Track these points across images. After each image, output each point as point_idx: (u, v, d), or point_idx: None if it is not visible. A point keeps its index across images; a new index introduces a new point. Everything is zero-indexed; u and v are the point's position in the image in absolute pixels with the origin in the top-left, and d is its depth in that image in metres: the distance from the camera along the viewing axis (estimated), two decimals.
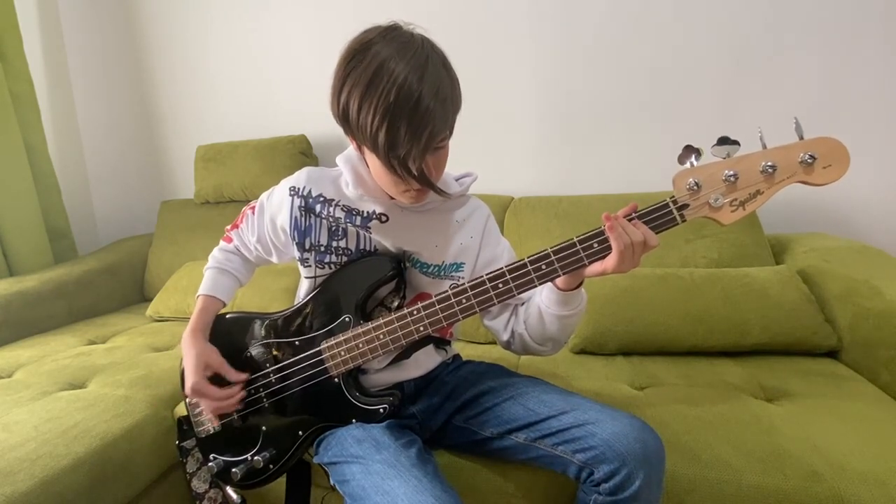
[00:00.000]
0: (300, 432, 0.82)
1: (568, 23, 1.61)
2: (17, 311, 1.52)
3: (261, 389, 0.84)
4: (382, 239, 0.81)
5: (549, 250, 0.70)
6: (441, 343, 0.91)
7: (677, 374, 1.09)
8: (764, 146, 0.65)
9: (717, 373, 1.09)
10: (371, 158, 0.70)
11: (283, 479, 0.88)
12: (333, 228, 0.82)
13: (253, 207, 0.92)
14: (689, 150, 0.67)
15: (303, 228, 0.83)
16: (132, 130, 2.18)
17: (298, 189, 0.83)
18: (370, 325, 0.77)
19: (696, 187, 0.66)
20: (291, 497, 0.90)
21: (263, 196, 0.91)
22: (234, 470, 0.82)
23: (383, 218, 0.80)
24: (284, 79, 1.94)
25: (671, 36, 1.54)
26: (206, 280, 0.91)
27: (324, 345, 0.80)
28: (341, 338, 0.79)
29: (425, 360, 0.88)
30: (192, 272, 1.66)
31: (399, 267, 0.81)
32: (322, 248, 0.82)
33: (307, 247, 0.83)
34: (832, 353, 1.17)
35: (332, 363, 0.79)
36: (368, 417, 0.78)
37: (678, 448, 0.82)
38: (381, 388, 0.85)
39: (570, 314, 0.78)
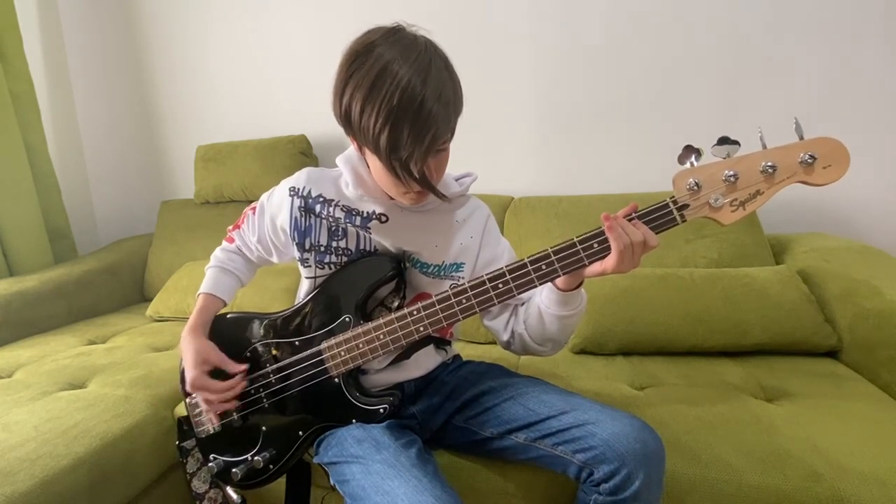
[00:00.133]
0: (300, 432, 0.82)
1: (568, 23, 1.61)
2: (17, 311, 1.52)
3: (261, 389, 0.84)
4: (382, 239, 0.81)
5: (550, 250, 0.70)
6: (441, 343, 0.91)
7: (677, 374, 1.09)
8: (764, 146, 0.65)
9: (717, 373, 1.09)
10: (372, 160, 0.70)
11: (282, 480, 0.88)
12: (333, 229, 0.82)
13: (254, 208, 0.92)
14: (690, 151, 0.67)
15: (303, 229, 0.83)
16: (132, 130, 2.18)
17: (298, 189, 0.83)
18: (370, 326, 0.77)
19: (696, 187, 0.66)
20: (291, 497, 0.90)
21: (264, 197, 0.91)
22: (234, 470, 0.82)
23: (383, 218, 0.80)
24: (284, 79, 1.94)
25: (671, 36, 1.54)
26: (207, 279, 0.91)
27: (324, 345, 0.80)
28: (341, 338, 0.79)
29: (425, 361, 0.88)
30: (192, 272, 1.66)
31: (399, 267, 0.81)
32: (322, 249, 0.82)
33: (307, 247, 0.83)
34: (832, 353, 1.17)
35: (332, 363, 0.79)
36: (368, 417, 0.78)
37: (678, 448, 0.82)
38: (381, 388, 0.85)
39: (570, 314, 0.77)
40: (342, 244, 0.82)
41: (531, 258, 0.71)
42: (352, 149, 0.79)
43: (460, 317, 0.74)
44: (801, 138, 0.63)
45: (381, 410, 0.78)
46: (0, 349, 1.42)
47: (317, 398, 0.81)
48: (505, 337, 0.87)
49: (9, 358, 1.33)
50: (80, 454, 0.91)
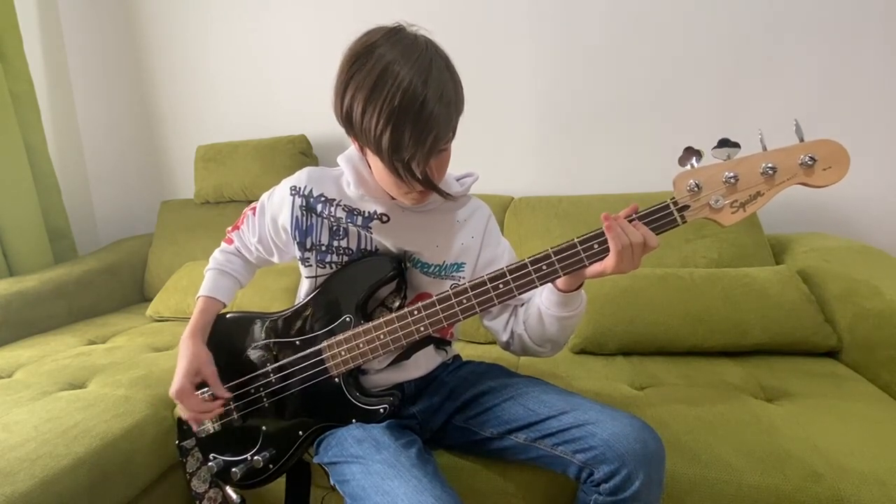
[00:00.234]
0: (300, 432, 0.82)
1: (568, 23, 1.61)
2: (17, 311, 1.51)
3: (261, 389, 0.84)
4: (383, 239, 0.81)
5: (550, 251, 0.70)
6: (441, 343, 0.91)
7: (677, 374, 1.09)
8: (764, 148, 0.65)
9: (717, 373, 1.09)
10: (374, 160, 0.70)
11: (282, 479, 0.88)
12: (334, 228, 0.82)
13: (254, 209, 0.92)
14: (690, 152, 0.67)
15: (304, 228, 0.83)
16: (132, 130, 2.18)
17: (299, 188, 0.83)
18: (371, 325, 0.77)
19: (696, 189, 0.66)
20: (291, 497, 0.90)
21: (264, 196, 0.91)
22: (233, 470, 0.82)
23: (384, 218, 0.80)
24: (284, 79, 1.94)
25: (671, 36, 1.54)
26: (206, 281, 0.91)
27: (324, 344, 0.80)
28: (342, 337, 0.79)
29: (426, 361, 0.88)
30: (192, 272, 1.66)
31: (400, 267, 0.81)
32: (323, 248, 0.82)
33: (308, 246, 0.83)
34: (832, 353, 1.17)
35: (332, 363, 0.79)
36: (368, 417, 0.78)
37: (678, 448, 0.82)
38: (381, 388, 0.85)
39: (570, 315, 0.78)
40: (343, 244, 0.82)
41: (532, 258, 0.71)
42: (353, 148, 0.79)
43: (461, 317, 0.74)
44: (802, 140, 0.64)
45: (382, 410, 0.78)
46: (0, 349, 1.42)
47: (317, 398, 0.81)
48: (504, 337, 0.87)
49: (9, 358, 1.33)
50: (80, 454, 0.91)
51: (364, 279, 0.80)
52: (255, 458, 0.82)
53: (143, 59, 2.10)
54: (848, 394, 0.98)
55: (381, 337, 0.77)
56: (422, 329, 0.76)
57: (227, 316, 0.90)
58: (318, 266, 0.83)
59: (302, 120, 1.91)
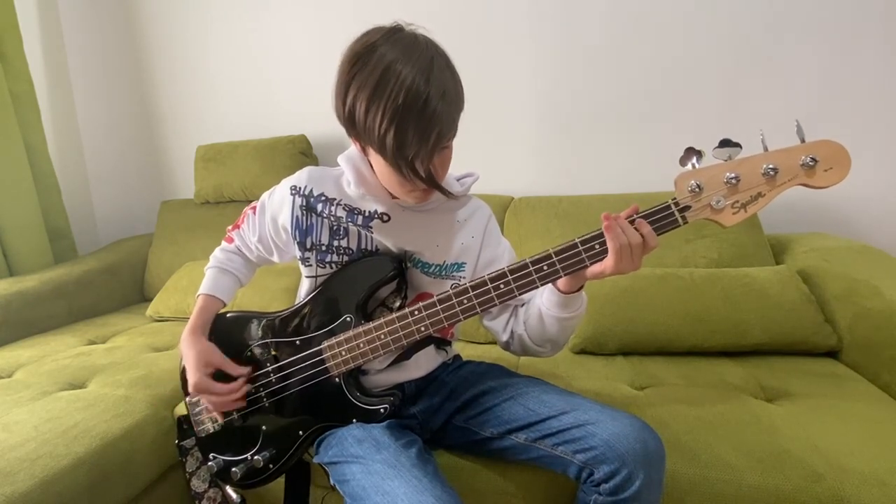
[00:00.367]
0: (300, 432, 0.82)
1: (568, 23, 1.61)
2: (17, 311, 1.51)
3: (261, 389, 0.84)
4: (384, 238, 0.81)
5: (551, 251, 0.70)
6: (442, 343, 0.91)
7: (677, 375, 1.09)
8: (765, 148, 0.65)
9: (718, 373, 1.09)
10: (377, 160, 0.70)
11: (282, 479, 0.88)
12: (335, 228, 0.82)
13: (254, 208, 0.92)
14: (691, 152, 0.67)
15: (304, 228, 0.83)
16: (132, 130, 2.17)
17: (300, 188, 0.83)
18: (371, 325, 0.77)
19: (697, 189, 0.66)
20: (291, 497, 0.90)
21: (264, 196, 0.91)
22: (233, 469, 0.82)
23: (385, 217, 0.80)
24: (284, 79, 1.94)
25: (671, 36, 1.54)
26: (206, 279, 0.91)
27: (324, 344, 0.80)
28: (342, 337, 0.79)
29: (426, 362, 0.88)
30: (192, 272, 1.66)
31: (400, 267, 0.81)
32: (323, 248, 0.82)
33: (308, 246, 0.83)
34: (832, 353, 1.17)
35: (332, 363, 0.79)
36: (369, 417, 0.78)
37: (678, 448, 0.82)
38: (382, 388, 0.85)
39: (571, 316, 0.78)
40: (343, 244, 0.82)
41: (532, 259, 0.71)
42: (353, 148, 0.79)
43: (461, 317, 0.74)
44: (803, 141, 0.64)
45: (382, 410, 0.78)
46: (0, 349, 1.42)
47: (317, 398, 0.81)
48: (504, 337, 0.87)
49: (9, 358, 1.33)
50: (80, 454, 0.91)
51: (364, 279, 0.80)
52: (256, 457, 0.82)
53: (143, 59, 2.10)
54: (848, 394, 0.98)
55: (382, 337, 0.77)
56: (422, 329, 0.76)
57: (227, 315, 0.90)
58: (318, 266, 0.83)
59: (302, 120, 1.91)
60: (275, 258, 0.93)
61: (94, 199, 2.16)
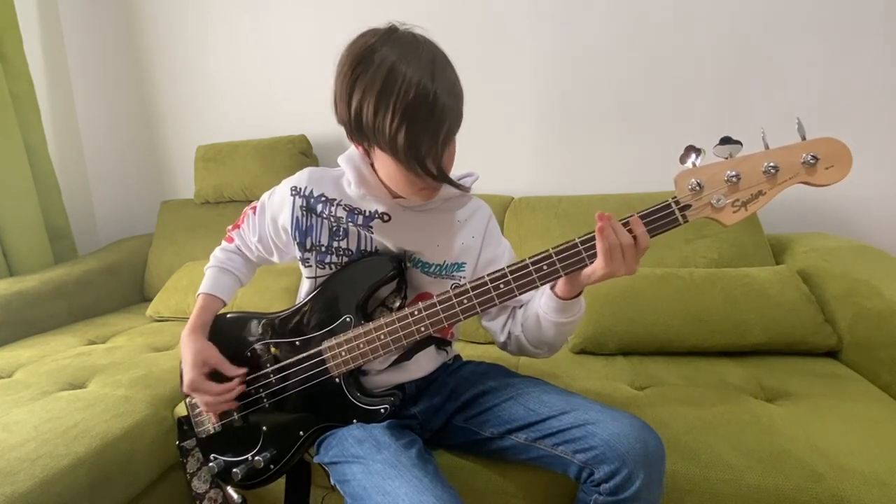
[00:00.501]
0: (301, 432, 0.82)
1: (568, 23, 1.61)
2: (17, 311, 1.51)
3: (261, 389, 0.84)
4: (384, 238, 0.81)
5: (551, 251, 0.70)
6: (442, 343, 0.91)
7: (677, 375, 1.09)
8: (766, 146, 0.65)
9: (718, 373, 1.09)
10: (384, 160, 0.70)
11: (283, 479, 0.88)
12: (334, 229, 0.82)
13: (254, 208, 0.92)
14: (691, 150, 0.67)
15: (304, 228, 0.83)
16: (132, 130, 2.17)
17: (300, 189, 0.83)
18: (371, 326, 0.77)
19: (698, 188, 0.66)
20: (291, 497, 0.90)
21: (265, 196, 0.91)
22: (234, 470, 0.82)
23: (385, 217, 0.80)
24: (284, 79, 1.94)
25: (671, 35, 1.54)
26: (206, 279, 0.91)
27: (324, 345, 0.80)
28: (342, 338, 0.79)
29: (427, 362, 0.88)
30: (192, 272, 1.65)
31: (400, 267, 0.81)
32: (323, 249, 0.82)
33: (308, 247, 0.83)
34: (832, 353, 1.17)
35: (332, 363, 0.79)
36: (369, 417, 0.78)
37: (678, 448, 0.82)
38: (382, 389, 0.85)
39: (568, 321, 0.78)
40: (343, 244, 0.82)
41: (532, 258, 0.71)
42: (354, 148, 0.79)
43: (461, 317, 0.74)
44: (804, 139, 0.63)
45: (382, 410, 0.78)
46: (0, 349, 1.42)
47: (317, 398, 0.81)
48: (501, 338, 0.88)
49: (9, 358, 1.33)
50: (80, 454, 0.91)
51: (364, 279, 0.80)
52: (256, 458, 0.82)
53: (143, 59, 2.09)
54: (848, 394, 0.98)
55: (382, 337, 0.77)
56: (422, 329, 0.76)
57: (227, 316, 0.90)
58: (317, 266, 0.83)
59: (302, 120, 1.91)
60: (275, 258, 0.93)
61: (94, 199, 2.16)
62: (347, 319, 0.80)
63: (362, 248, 0.82)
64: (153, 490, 1.05)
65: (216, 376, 0.83)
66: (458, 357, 0.98)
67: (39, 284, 1.60)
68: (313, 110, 1.89)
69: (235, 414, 0.85)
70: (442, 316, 0.74)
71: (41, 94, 1.84)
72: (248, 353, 0.85)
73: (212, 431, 0.87)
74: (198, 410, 0.88)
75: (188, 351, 0.83)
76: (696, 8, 1.50)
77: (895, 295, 1.04)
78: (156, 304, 1.66)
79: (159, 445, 1.05)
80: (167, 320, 1.65)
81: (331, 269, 0.83)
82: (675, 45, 1.54)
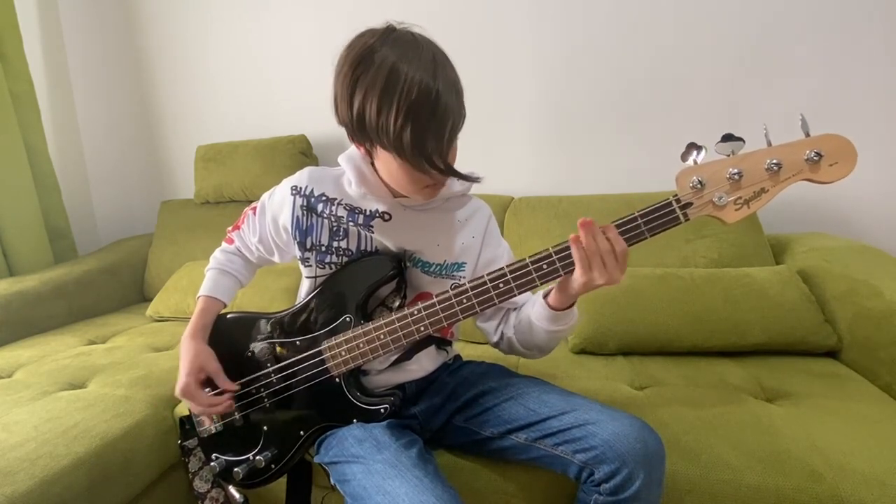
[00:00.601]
0: (301, 432, 0.82)
1: (568, 23, 1.61)
2: (17, 311, 1.51)
3: (262, 389, 0.84)
4: (385, 238, 0.81)
5: (551, 249, 0.70)
6: (442, 343, 0.91)
7: (677, 375, 1.09)
8: (769, 143, 0.64)
9: (718, 373, 1.09)
10: (386, 159, 0.70)
11: (283, 479, 0.88)
12: (335, 228, 0.82)
13: (254, 208, 0.92)
14: (693, 148, 0.66)
15: (304, 228, 0.83)
16: (132, 130, 2.17)
17: (300, 188, 0.83)
18: (371, 325, 0.77)
19: (699, 185, 0.65)
20: (292, 497, 0.90)
21: (265, 196, 0.91)
22: (235, 470, 0.82)
23: (386, 216, 0.80)
24: (284, 79, 1.94)
25: (671, 35, 1.54)
26: (206, 281, 0.91)
27: (324, 345, 0.80)
28: (342, 338, 0.79)
29: (427, 362, 0.88)
30: (192, 272, 1.65)
31: (400, 266, 0.81)
32: (323, 248, 0.82)
33: (308, 246, 0.83)
34: (832, 353, 1.17)
35: (332, 363, 0.79)
36: (369, 417, 0.78)
37: (678, 448, 0.82)
38: (382, 389, 0.85)
39: (561, 329, 0.79)
40: (343, 244, 0.82)
41: (532, 258, 0.71)
42: (354, 147, 0.79)
43: (461, 316, 0.74)
44: (807, 135, 0.63)
45: (382, 410, 0.78)
46: (0, 349, 1.42)
47: (318, 398, 0.81)
48: (494, 339, 0.89)
49: (9, 358, 1.33)
50: (80, 454, 0.91)
51: (364, 279, 0.80)
52: (257, 458, 0.82)
53: (143, 59, 2.09)
54: (848, 394, 0.98)
55: (382, 337, 0.77)
56: (422, 329, 0.76)
57: (228, 316, 0.90)
58: (318, 266, 0.83)
59: (302, 120, 1.91)
60: (275, 258, 0.93)
61: (94, 199, 2.16)
62: (347, 319, 0.80)
63: (362, 247, 0.82)
64: (153, 490, 1.05)
65: (212, 382, 0.84)
66: (458, 357, 0.98)
67: (39, 284, 1.60)
68: (313, 110, 1.89)
69: (237, 413, 0.85)
70: (441, 316, 0.74)
71: (41, 94, 1.84)
72: (249, 353, 0.85)
73: (213, 431, 0.87)
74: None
75: (186, 355, 0.83)
76: (696, 7, 1.50)
77: (895, 295, 1.04)
78: (156, 304, 1.66)
79: (159, 445, 1.05)
80: (167, 320, 1.65)
81: (331, 268, 0.83)
82: (676, 44, 1.54)
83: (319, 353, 0.80)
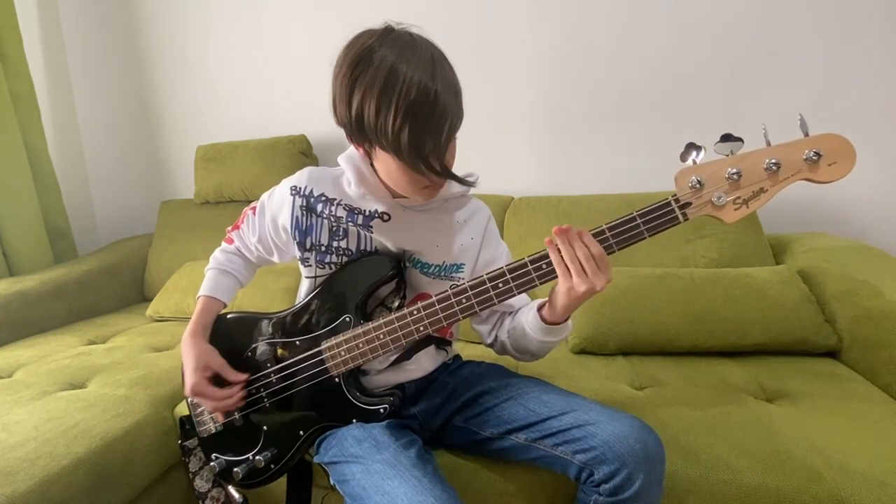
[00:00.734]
0: (301, 432, 0.82)
1: (568, 23, 1.61)
2: (17, 311, 1.51)
3: (262, 389, 0.84)
4: (384, 238, 0.81)
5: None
6: (442, 343, 0.91)
7: (677, 375, 1.09)
8: (768, 143, 0.64)
9: (718, 373, 1.09)
10: (385, 160, 0.70)
11: (283, 479, 0.88)
12: (334, 228, 0.82)
13: (254, 208, 0.92)
14: (692, 148, 0.66)
15: (304, 228, 0.83)
16: (132, 130, 2.18)
17: (300, 188, 0.83)
18: (370, 325, 0.77)
19: (698, 185, 0.65)
20: (292, 497, 0.90)
21: (264, 196, 0.91)
22: (235, 469, 0.82)
23: (385, 217, 0.80)
24: (284, 79, 1.94)
25: (671, 35, 1.54)
26: (206, 281, 0.91)
27: (324, 345, 0.80)
28: (341, 338, 0.79)
29: (426, 362, 0.88)
30: (192, 272, 1.65)
31: (399, 266, 0.81)
32: (322, 248, 0.82)
33: (308, 246, 0.83)
34: (832, 353, 1.17)
35: (332, 363, 0.79)
36: (369, 417, 0.78)
37: (678, 448, 0.82)
38: (382, 388, 0.85)
39: (553, 340, 0.79)
40: (343, 244, 0.82)
41: (531, 257, 0.71)
42: (353, 148, 0.78)
43: (460, 316, 0.74)
44: (806, 135, 0.63)
45: (382, 410, 0.78)
46: (0, 349, 1.42)
47: (317, 398, 0.81)
48: (488, 340, 0.90)
49: (9, 358, 1.33)
50: (80, 454, 0.91)
51: (363, 279, 0.80)
52: (257, 457, 0.82)
53: (143, 59, 2.09)
54: (848, 394, 0.98)
55: (381, 337, 0.77)
56: (421, 329, 0.76)
57: (228, 316, 0.90)
58: (317, 266, 0.83)
59: (302, 120, 1.91)
60: (275, 258, 0.93)
61: (94, 199, 2.16)
62: (347, 319, 0.80)
63: (362, 247, 0.82)
64: (153, 490, 1.05)
65: (218, 380, 0.83)
66: (457, 357, 0.98)
67: (39, 284, 1.60)
68: (313, 110, 1.89)
69: (236, 414, 0.85)
70: (441, 315, 0.74)
71: (41, 94, 1.84)
72: (249, 354, 0.85)
73: (213, 431, 0.87)
74: (199, 410, 0.88)
75: (190, 355, 0.83)
76: (696, 7, 1.50)
77: (895, 295, 1.04)
78: (156, 304, 1.66)
79: (159, 445, 1.05)
80: (167, 320, 1.65)
81: (330, 268, 0.83)
82: (675, 44, 1.54)
83: (319, 353, 0.80)
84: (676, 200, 0.67)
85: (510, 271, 0.71)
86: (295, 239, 0.83)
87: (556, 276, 0.70)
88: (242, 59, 1.97)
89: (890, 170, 1.44)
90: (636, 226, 0.68)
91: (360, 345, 0.78)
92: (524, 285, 0.71)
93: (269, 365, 0.84)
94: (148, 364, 1.24)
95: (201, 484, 0.92)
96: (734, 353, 1.18)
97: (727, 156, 0.65)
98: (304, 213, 0.83)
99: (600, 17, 1.58)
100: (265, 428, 0.84)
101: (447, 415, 0.86)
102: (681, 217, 0.67)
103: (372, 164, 0.77)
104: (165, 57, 2.07)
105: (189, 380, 0.81)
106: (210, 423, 0.87)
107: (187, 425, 0.91)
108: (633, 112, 1.61)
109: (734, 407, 0.93)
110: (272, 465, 0.83)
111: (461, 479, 0.84)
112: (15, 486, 0.81)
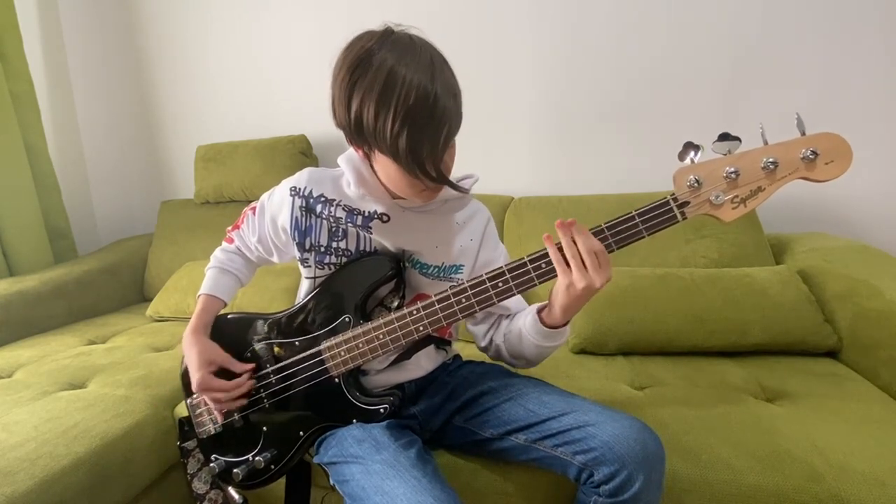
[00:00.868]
0: (301, 432, 0.82)
1: (568, 23, 1.61)
2: (17, 311, 1.51)
3: (261, 390, 0.84)
4: (383, 239, 0.81)
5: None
6: (442, 343, 0.91)
7: (677, 375, 1.09)
8: (765, 142, 0.64)
9: (718, 373, 1.09)
10: (384, 162, 0.70)
11: (283, 479, 0.88)
12: (333, 229, 0.82)
13: (254, 208, 0.92)
14: (690, 147, 0.66)
15: (303, 228, 0.83)
16: (132, 130, 2.18)
17: (299, 189, 0.83)
18: (370, 325, 0.77)
19: (696, 184, 0.65)
20: (291, 497, 0.90)
21: (264, 196, 0.91)
22: (235, 470, 0.82)
23: (385, 218, 0.80)
24: (284, 79, 1.94)
25: (671, 36, 1.54)
26: (207, 280, 0.91)
27: (324, 345, 0.80)
28: (341, 338, 0.79)
29: (426, 362, 0.88)
30: (192, 272, 1.66)
31: (398, 267, 0.81)
32: (322, 249, 0.82)
33: (307, 247, 0.83)
34: (832, 353, 1.17)
35: (332, 363, 0.79)
36: (369, 417, 0.78)
37: (678, 449, 0.82)
38: (382, 388, 0.85)
39: (551, 346, 0.79)
40: (342, 245, 0.82)
41: (531, 256, 0.71)
42: (353, 149, 0.78)
43: (460, 316, 0.74)
44: (803, 134, 0.63)
45: (382, 410, 0.78)
46: (0, 349, 1.42)
47: (317, 398, 0.81)
48: (482, 343, 0.89)
49: (9, 358, 1.33)
50: (80, 454, 0.91)
51: (363, 279, 0.80)
52: (257, 458, 0.82)
53: (143, 59, 2.10)
54: (848, 394, 0.98)
55: (381, 337, 0.77)
56: (421, 329, 0.75)
57: (228, 316, 0.90)
58: (317, 267, 0.83)
59: (302, 120, 1.91)
60: (274, 259, 0.93)
61: (94, 199, 2.16)
62: (346, 319, 0.80)
63: (361, 248, 0.82)
64: (153, 490, 1.05)
65: (221, 375, 0.83)
66: (457, 357, 0.98)
67: (39, 284, 1.60)
68: (313, 110, 1.89)
69: (236, 414, 0.85)
70: (440, 315, 0.74)
71: (41, 94, 1.84)
72: (248, 354, 0.85)
73: (212, 432, 0.87)
74: (199, 411, 0.88)
75: (192, 352, 0.83)
76: (696, 7, 1.50)
77: (895, 295, 1.04)
78: (156, 304, 1.66)
79: (159, 446, 1.05)
80: (167, 320, 1.65)
81: (330, 269, 0.83)
82: (675, 44, 1.54)
83: (319, 353, 0.80)
84: (675, 199, 0.67)
85: (509, 270, 0.71)
86: (294, 239, 0.83)
87: (556, 275, 0.70)
88: (242, 59, 1.97)
89: (890, 170, 1.44)
90: (635, 225, 0.68)
91: (360, 345, 0.78)
92: (524, 284, 0.71)
93: (268, 365, 0.84)
94: (148, 364, 1.24)
95: (199, 485, 0.92)
96: (734, 353, 1.18)
97: (725, 155, 0.65)
98: (304, 213, 0.83)
99: (600, 17, 1.58)
100: (265, 428, 0.84)
101: (447, 415, 0.86)
102: (679, 216, 0.67)
103: (371, 166, 0.77)
104: (165, 57, 2.07)
105: (195, 376, 0.81)
106: (209, 424, 0.87)
107: (186, 426, 0.91)
108: (633, 112, 1.61)
109: (734, 407, 0.93)
110: (272, 466, 0.83)
111: (461, 479, 0.84)
112: (15, 486, 0.81)
